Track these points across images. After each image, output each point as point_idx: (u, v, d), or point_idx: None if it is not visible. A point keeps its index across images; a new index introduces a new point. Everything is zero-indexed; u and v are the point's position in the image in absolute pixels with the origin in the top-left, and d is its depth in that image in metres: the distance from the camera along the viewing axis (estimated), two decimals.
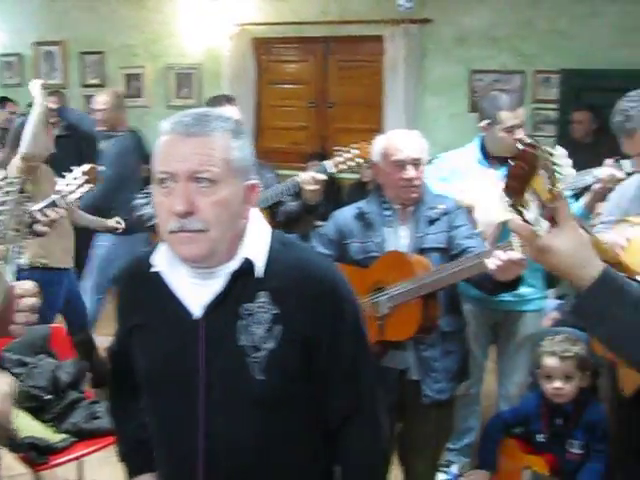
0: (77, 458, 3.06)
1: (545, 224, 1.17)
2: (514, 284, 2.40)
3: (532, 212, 1.15)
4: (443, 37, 6.39)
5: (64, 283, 4.12)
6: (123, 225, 4.34)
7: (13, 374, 3.09)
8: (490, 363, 3.66)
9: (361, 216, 2.75)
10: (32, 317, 1.54)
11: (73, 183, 2.86)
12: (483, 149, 3.29)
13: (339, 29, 6.66)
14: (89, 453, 3.04)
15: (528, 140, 1.12)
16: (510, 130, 3.14)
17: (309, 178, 3.09)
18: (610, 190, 2.87)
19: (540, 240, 1.17)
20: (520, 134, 3.09)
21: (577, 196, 3.15)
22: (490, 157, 3.25)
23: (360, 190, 5.79)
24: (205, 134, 1.43)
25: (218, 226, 1.43)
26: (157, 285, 1.55)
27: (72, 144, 5.28)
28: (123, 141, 4.96)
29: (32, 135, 3.77)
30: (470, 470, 3.63)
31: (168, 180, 1.43)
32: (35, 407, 3.08)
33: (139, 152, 5.11)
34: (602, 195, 2.94)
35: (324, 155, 3.15)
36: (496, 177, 3.15)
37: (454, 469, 3.63)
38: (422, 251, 2.63)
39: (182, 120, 1.46)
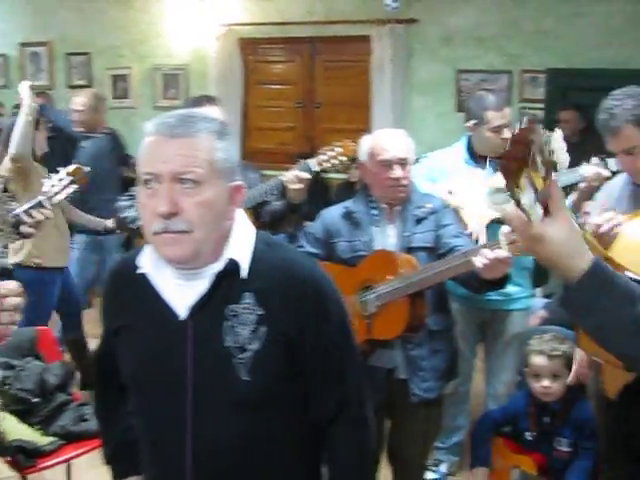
0: (65, 461, 3.05)
1: (540, 210, 1.16)
2: (501, 283, 2.41)
3: (528, 196, 1.14)
4: (429, 37, 6.40)
5: (58, 282, 4.12)
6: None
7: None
8: (478, 362, 3.68)
9: (348, 215, 2.75)
10: (16, 317, 1.53)
11: (59, 184, 2.85)
12: (470, 149, 3.30)
13: (325, 29, 6.66)
14: (77, 456, 3.03)
15: (527, 122, 1.11)
16: (497, 130, 3.16)
17: (293, 177, 3.08)
18: (597, 189, 2.88)
19: (533, 228, 1.17)
20: (507, 134, 3.10)
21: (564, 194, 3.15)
22: (477, 157, 3.27)
23: (348, 190, 5.79)
24: (189, 135, 1.43)
25: (202, 227, 1.43)
26: (143, 286, 1.55)
27: (57, 145, 5.26)
28: (99, 142, 4.97)
29: (20, 136, 3.77)
30: (456, 469, 3.66)
31: (152, 181, 1.43)
32: (22, 410, 3.07)
33: (116, 154, 5.11)
34: (588, 194, 2.95)
35: (312, 156, 3.15)
36: (483, 176, 3.16)
37: (443, 468, 3.64)
38: (409, 250, 2.63)
39: (166, 121, 1.45)
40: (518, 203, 1.15)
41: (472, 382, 3.67)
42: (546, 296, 4.29)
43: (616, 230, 2.18)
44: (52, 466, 2.97)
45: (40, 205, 2.76)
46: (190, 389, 1.52)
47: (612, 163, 2.88)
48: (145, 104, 7.48)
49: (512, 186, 1.13)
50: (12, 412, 3.01)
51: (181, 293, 1.52)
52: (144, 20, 7.34)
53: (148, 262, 1.54)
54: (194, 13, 6.98)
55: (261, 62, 7.20)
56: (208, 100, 3.11)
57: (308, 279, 1.56)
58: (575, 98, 5.72)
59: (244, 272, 1.51)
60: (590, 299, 1.20)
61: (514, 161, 1.12)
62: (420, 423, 2.73)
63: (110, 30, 7.46)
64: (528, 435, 2.91)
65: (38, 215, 2.75)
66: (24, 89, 3.86)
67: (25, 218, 2.71)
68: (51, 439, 3.00)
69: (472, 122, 3.23)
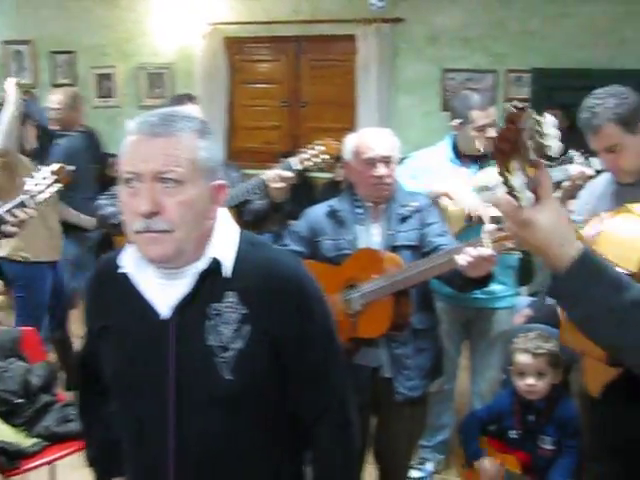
0: (49, 462, 3.02)
1: (530, 195, 1.15)
2: (485, 281, 2.42)
3: (518, 181, 1.14)
4: (415, 36, 6.41)
5: (49, 278, 4.08)
6: None
7: None
8: (463, 360, 3.68)
9: (333, 214, 2.75)
10: None
11: (42, 183, 2.83)
12: (455, 148, 3.31)
13: (311, 28, 6.66)
14: (61, 457, 3.00)
15: (520, 105, 1.11)
16: (481, 129, 3.17)
17: (274, 176, 3.07)
18: (580, 187, 2.89)
19: (523, 213, 1.16)
20: (492, 133, 3.11)
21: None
22: (461, 156, 3.28)
23: (333, 189, 5.78)
24: (171, 134, 1.42)
25: (183, 226, 1.43)
26: (125, 286, 1.54)
27: (40, 143, 5.24)
28: (73, 141, 4.94)
29: (6, 131, 3.78)
30: (442, 467, 3.66)
31: (134, 180, 1.42)
32: (6, 411, 3.04)
33: (92, 152, 5.08)
34: (572, 193, 2.96)
35: (295, 154, 3.15)
36: (467, 175, 3.17)
37: (429, 466, 3.64)
38: (394, 248, 2.63)
39: (148, 120, 1.45)
40: (509, 187, 1.15)
41: (457, 380, 3.68)
42: (531, 294, 4.30)
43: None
44: (36, 468, 2.94)
45: (23, 205, 2.74)
46: (173, 388, 1.51)
47: (595, 162, 2.90)
48: (130, 103, 7.44)
49: (503, 170, 1.13)
50: None
51: (163, 292, 1.51)
52: (130, 19, 7.30)
53: (130, 262, 1.54)
54: (180, 12, 6.96)
55: (247, 61, 7.19)
56: (190, 99, 3.10)
57: (292, 278, 1.56)
58: (560, 98, 5.75)
59: (227, 271, 1.51)
60: (579, 288, 1.19)
61: (506, 142, 1.12)
62: (405, 422, 2.73)
63: (95, 29, 7.42)
64: (513, 433, 2.92)
65: (21, 214, 2.73)
66: (10, 86, 3.87)
67: (7, 217, 2.69)
68: (35, 440, 2.98)
69: (457, 121, 3.24)
